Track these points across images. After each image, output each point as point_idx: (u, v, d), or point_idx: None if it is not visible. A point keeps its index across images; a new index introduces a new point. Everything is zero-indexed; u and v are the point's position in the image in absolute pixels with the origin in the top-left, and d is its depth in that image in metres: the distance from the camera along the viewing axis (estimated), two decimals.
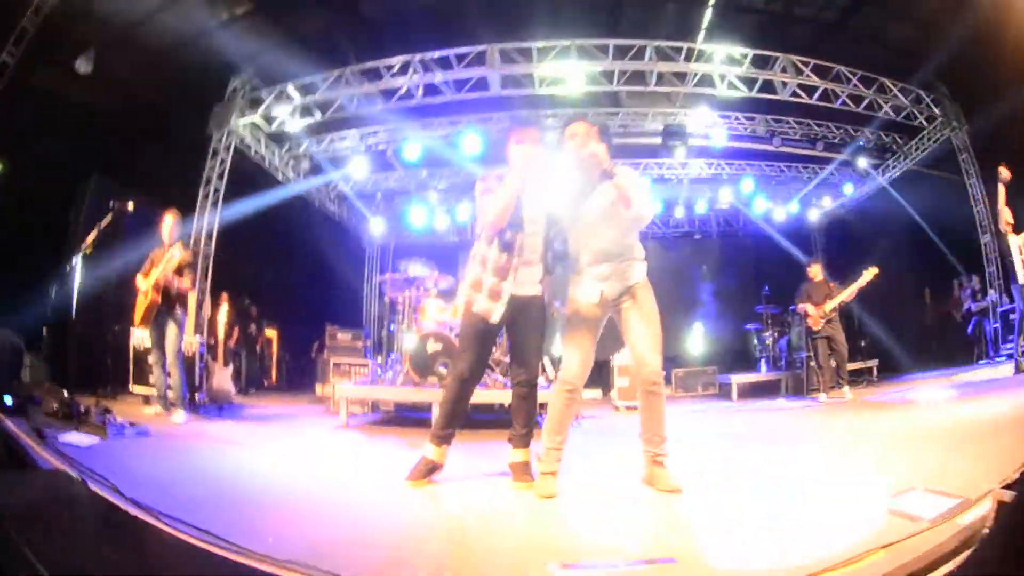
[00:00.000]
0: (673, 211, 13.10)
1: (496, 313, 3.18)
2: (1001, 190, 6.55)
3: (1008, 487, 1.39)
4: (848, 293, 7.71)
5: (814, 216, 13.27)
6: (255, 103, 9.26)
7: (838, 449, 4.12)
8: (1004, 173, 6.50)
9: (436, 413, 5.41)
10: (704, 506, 2.74)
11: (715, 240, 14.24)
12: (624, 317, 3.17)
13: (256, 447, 4.58)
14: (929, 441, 3.87)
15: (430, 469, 3.25)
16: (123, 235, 6.60)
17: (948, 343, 10.25)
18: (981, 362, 8.98)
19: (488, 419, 6.02)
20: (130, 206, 5.04)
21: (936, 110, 9.70)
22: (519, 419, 3.37)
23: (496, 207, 3.18)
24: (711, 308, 12.76)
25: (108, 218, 5.02)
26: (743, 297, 12.17)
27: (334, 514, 2.67)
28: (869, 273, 7.64)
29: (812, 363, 8.05)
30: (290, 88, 9.09)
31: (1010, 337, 8.46)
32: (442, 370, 6.14)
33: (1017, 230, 6.61)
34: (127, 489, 2.29)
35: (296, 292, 11.94)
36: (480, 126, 9.87)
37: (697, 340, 12.39)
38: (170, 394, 5.71)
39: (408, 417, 6.59)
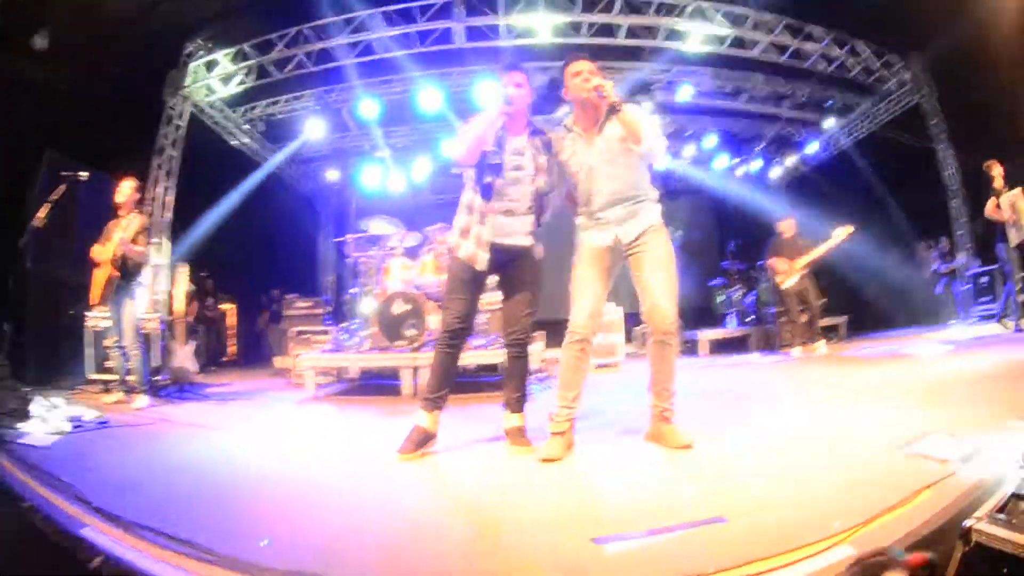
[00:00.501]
0: None
1: (481, 260, 3.08)
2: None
3: None
4: (821, 250, 7.71)
5: (777, 174, 13.35)
6: (210, 66, 8.94)
7: (835, 402, 4.06)
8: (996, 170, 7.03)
9: (426, 376, 5.26)
10: (726, 462, 2.63)
11: (677, 196, 14.00)
12: (636, 261, 3.04)
13: (228, 431, 4.28)
14: (943, 391, 3.91)
15: (423, 439, 3.06)
16: (77, 210, 6.44)
17: (914, 302, 10.46)
18: (951, 322, 9.29)
19: (464, 381, 5.86)
20: (83, 175, 4.97)
21: (907, 75, 9.81)
22: (512, 382, 3.25)
23: (462, 139, 3.10)
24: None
25: (61, 189, 4.91)
26: (706, 253, 12.29)
27: (329, 503, 2.36)
28: (843, 231, 7.66)
29: (783, 318, 8.07)
30: (246, 48, 8.78)
31: (982, 299, 8.88)
32: (411, 332, 5.91)
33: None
34: (93, 494, 2.12)
35: (250, 261, 11.51)
36: (441, 81, 9.56)
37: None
38: (130, 378, 5.43)
39: (375, 385, 6.39)
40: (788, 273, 7.72)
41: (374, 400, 5.42)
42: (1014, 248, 7.05)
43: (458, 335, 3.15)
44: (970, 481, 1.88)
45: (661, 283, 2.97)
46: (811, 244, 7.80)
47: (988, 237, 7.90)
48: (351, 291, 7.81)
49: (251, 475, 2.90)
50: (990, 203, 7.17)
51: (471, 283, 3.15)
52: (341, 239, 8.01)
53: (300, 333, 9.00)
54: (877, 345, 7.64)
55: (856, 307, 9.98)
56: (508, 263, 3.19)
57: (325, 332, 9.03)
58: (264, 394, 6.51)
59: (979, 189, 7.63)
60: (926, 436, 2.52)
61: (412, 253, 7.03)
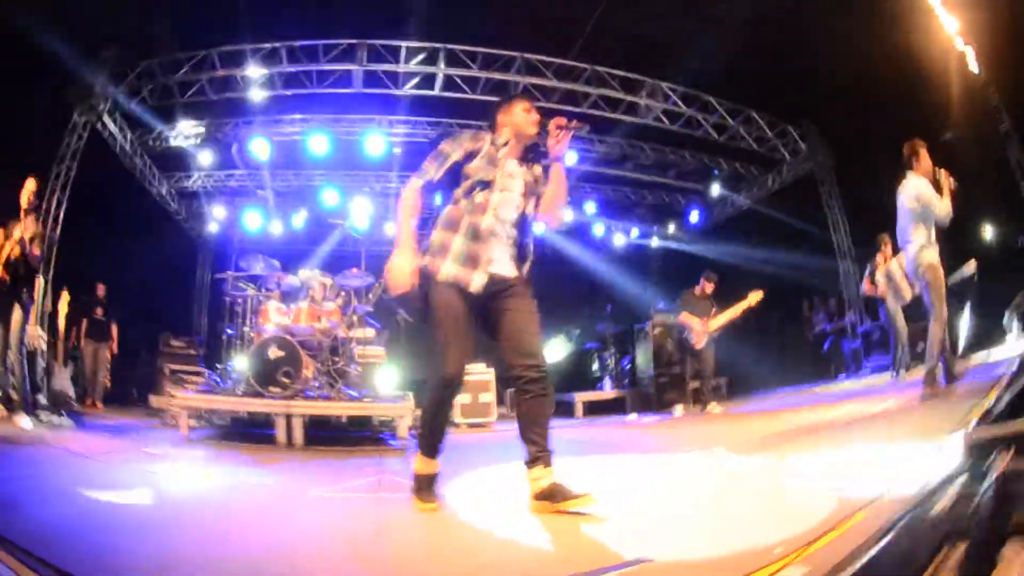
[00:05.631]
0: None
1: (476, 281, 2.81)
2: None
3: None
4: (731, 314, 8.00)
5: (656, 240, 14.21)
6: (120, 78, 8.90)
7: (744, 448, 4.29)
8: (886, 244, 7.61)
9: (299, 425, 5.43)
10: (641, 506, 2.80)
11: (550, 260, 14.39)
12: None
13: (107, 463, 4.26)
14: (847, 432, 4.37)
15: (431, 482, 2.96)
16: None
17: (798, 361, 11.24)
18: (841, 376, 10.00)
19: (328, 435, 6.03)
20: None
21: (802, 144, 10.82)
22: (535, 429, 2.81)
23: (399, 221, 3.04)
24: (546, 327, 13.09)
25: None
26: (582, 317, 12.59)
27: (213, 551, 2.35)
28: (754, 296, 8.05)
29: (663, 379, 8.64)
30: (154, 65, 8.85)
31: (875, 353, 9.65)
32: (285, 379, 5.95)
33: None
34: None
35: (130, 292, 11.43)
36: (330, 127, 9.97)
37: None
38: (13, 394, 5.27)
39: (246, 432, 6.27)
40: (702, 334, 7.93)
41: (247, 447, 5.41)
42: (893, 310, 7.73)
43: (452, 387, 2.92)
44: (903, 498, 1.96)
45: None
46: (718, 309, 8.10)
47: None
48: (227, 331, 7.97)
49: (129, 511, 2.93)
50: (865, 281, 7.97)
51: (461, 316, 2.83)
52: (221, 276, 8.14)
53: (173, 372, 9.09)
54: (764, 401, 8.19)
55: (739, 367, 10.73)
56: (495, 296, 2.91)
57: (199, 373, 9.14)
58: (139, 431, 6.45)
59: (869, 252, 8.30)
60: (842, 470, 2.77)
61: (288, 296, 7.25)
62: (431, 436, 2.96)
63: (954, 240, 7.02)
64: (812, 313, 11.46)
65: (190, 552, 2.21)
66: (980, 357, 7.43)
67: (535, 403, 2.81)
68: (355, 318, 7.25)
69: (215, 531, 2.60)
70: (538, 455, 2.76)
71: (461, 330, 2.83)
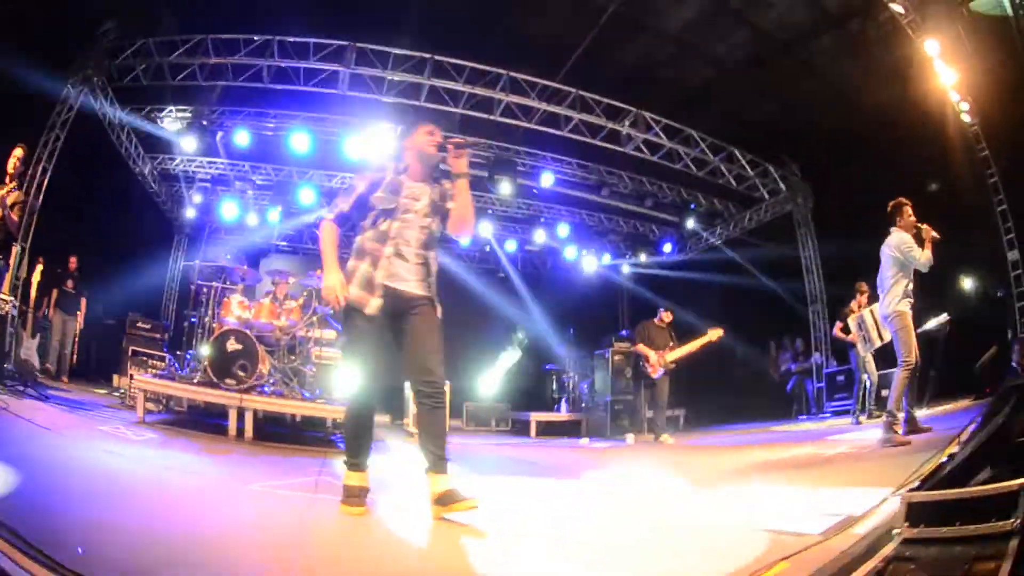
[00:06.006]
0: (481, 246, 13.63)
1: (372, 304, 3.07)
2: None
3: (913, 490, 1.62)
4: (691, 347, 8.19)
5: (628, 269, 14.36)
6: (115, 54, 8.97)
7: (688, 482, 4.42)
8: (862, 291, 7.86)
9: (250, 420, 5.64)
10: (563, 534, 2.94)
11: (520, 281, 14.67)
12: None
13: (66, 437, 4.41)
14: (795, 472, 4.50)
15: (362, 493, 3.12)
16: None
17: (760, 399, 11.36)
18: (801, 417, 10.18)
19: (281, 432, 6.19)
20: None
21: (782, 185, 10.98)
22: (432, 438, 3.08)
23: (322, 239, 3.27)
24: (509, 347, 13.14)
25: None
26: (545, 339, 12.93)
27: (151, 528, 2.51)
28: (714, 333, 8.25)
29: (619, 407, 8.75)
30: (150, 43, 8.90)
31: (838, 396, 9.74)
32: (241, 372, 6.13)
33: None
34: None
35: (104, 269, 11.49)
36: (313, 126, 10.10)
37: (492, 377, 12.50)
38: None
39: (201, 422, 6.44)
40: (657, 366, 8.09)
41: (197, 436, 5.58)
42: (863, 356, 7.92)
43: (364, 405, 3.17)
44: (834, 551, 2.03)
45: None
46: (677, 341, 8.30)
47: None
48: (191, 319, 8.07)
49: (73, 482, 3.11)
50: (837, 326, 8.22)
51: (369, 335, 3.10)
52: (189, 263, 8.25)
53: (136, 354, 9.17)
54: (719, 436, 8.32)
55: (699, 401, 10.88)
56: (404, 312, 3.15)
57: (162, 357, 9.22)
58: (99, 409, 6.55)
59: (840, 297, 8.59)
60: (782, 512, 2.81)
61: (250, 291, 7.38)
62: (352, 453, 3.16)
63: (933, 289, 7.23)
64: (779, 352, 11.64)
65: (118, 521, 2.45)
66: (949, 407, 7.63)
67: (430, 415, 3.09)
68: (315, 319, 7.37)
69: (148, 509, 2.82)
70: (434, 463, 3.03)
71: (371, 355, 3.11)
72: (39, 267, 8.45)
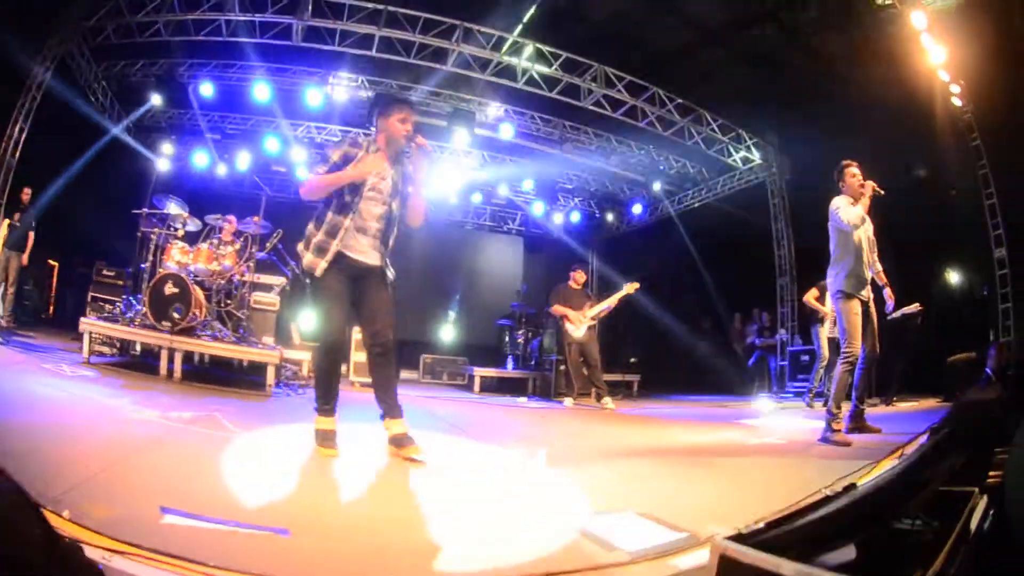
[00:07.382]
0: (447, 198, 13.53)
1: (320, 267, 3.36)
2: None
3: (732, 539, 1.22)
4: (609, 303, 8.16)
5: (597, 227, 14.30)
6: (88, 16, 9.11)
7: (564, 458, 4.12)
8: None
9: (179, 360, 5.91)
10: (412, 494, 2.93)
11: (485, 233, 14.91)
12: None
13: (10, 371, 4.80)
14: (677, 462, 4.05)
15: (332, 435, 3.44)
16: None
17: (721, 372, 11.22)
18: (762, 394, 9.91)
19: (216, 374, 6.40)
20: None
21: (756, 153, 10.81)
22: (384, 388, 3.49)
23: (319, 188, 3.46)
24: (469, 299, 13.37)
25: None
26: (502, 293, 12.99)
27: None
28: (630, 287, 8.17)
29: (563, 367, 8.69)
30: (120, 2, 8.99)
31: (800, 376, 9.65)
32: (176, 314, 6.33)
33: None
34: None
35: (78, 221, 11.79)
36: (273, 77, 10.25)
37: (449, 329, 12.81)
38: None
39: (142, 363, 6.72)
40: (578, 322, 8.11)
41: (130, 375, 5.86)
42: (828, 337, 7.85)
43: (331, 350, 3.51)
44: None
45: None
46: (595, 298, 8.35)
47: (808, 318, 8.68)
48: (140, 266, 8.27)
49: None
50: (811, 292, 8.05)
51: (324, 294, 3.42)
52: (136, 212, 8.41)
53: (96, 300, 9.44)
54: (666, 407, 8.21)
55: (657, 368, 10.79)
56: (359, 278, 3.48)
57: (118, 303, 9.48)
58: (54, 352, 6.82)
59: (812, 271, 8.20)
60: (618, 514, 2.41)
61: (191, 238, 7.56)
62: (322, 397, 3.49)
63: (915, 285, 7.04)
64: (744, 325, 11.43)
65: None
66: (915, 404, 7.54)
67: (380, 369, 3.50)
68: (249, 264, 7.51)
69: (47, 428, 3.10)
70: (388, 411, 3.47)
71: (334, 304, 3.44)
72: (5, 224, 8.69)
